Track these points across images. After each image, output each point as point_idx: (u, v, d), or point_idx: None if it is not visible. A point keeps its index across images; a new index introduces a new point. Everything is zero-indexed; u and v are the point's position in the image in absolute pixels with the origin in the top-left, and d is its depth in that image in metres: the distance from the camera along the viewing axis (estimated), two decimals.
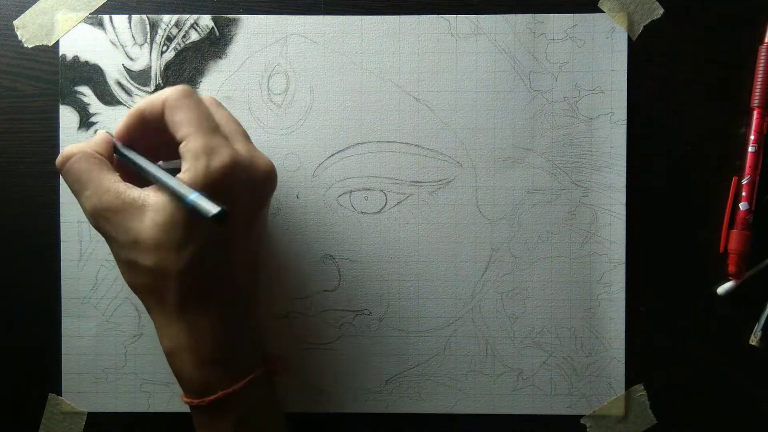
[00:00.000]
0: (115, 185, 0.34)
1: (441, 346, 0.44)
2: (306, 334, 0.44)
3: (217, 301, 0.35)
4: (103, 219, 0.34)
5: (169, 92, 0.35)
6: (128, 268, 0.35)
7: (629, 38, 0.43)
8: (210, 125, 0.34)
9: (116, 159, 0.37)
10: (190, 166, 0.33)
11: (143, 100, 0.36)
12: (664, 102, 0.44)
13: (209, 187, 0.33)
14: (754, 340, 0.43)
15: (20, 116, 0.44)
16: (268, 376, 0.38)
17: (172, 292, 0.34)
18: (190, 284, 0.34)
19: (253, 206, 0.36)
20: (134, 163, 0.36)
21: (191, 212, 0.32)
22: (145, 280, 0.35)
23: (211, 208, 0.31)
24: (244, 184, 0.35)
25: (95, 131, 0.44)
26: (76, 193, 0.35)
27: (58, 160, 0.36)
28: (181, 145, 0.34)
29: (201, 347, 0.35)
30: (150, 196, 0.34)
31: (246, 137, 0.37)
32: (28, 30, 0.44)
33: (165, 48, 0.44)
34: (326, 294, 0.44)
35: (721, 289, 0.44)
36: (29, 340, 0.44)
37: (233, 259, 0.36)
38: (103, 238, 0.36)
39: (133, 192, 0.34)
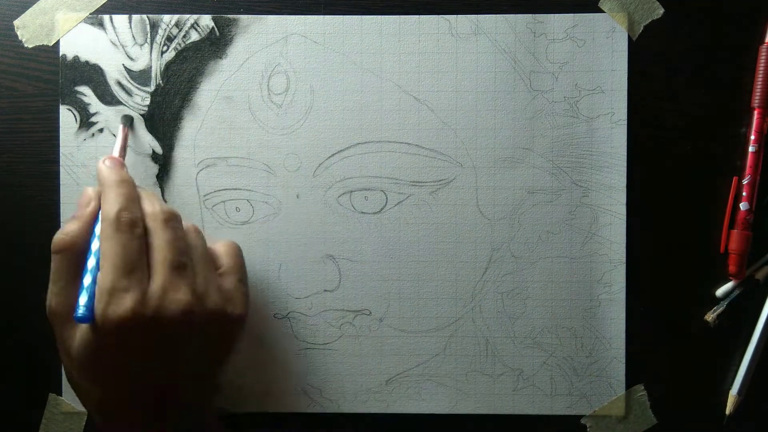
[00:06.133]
0: (68, 292, 0.35)
1: (441, 346, 0.44)
2: (306, 334, 0.44)
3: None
4: (52, 321, 0.36)
5: (102, 219, 0.35)
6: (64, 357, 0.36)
7: (629, 38, 0.43)
8: (127, 263, 0.33)
9: None
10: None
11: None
12: (664, 102, 0.44)
13: (101, 333, 0.33)
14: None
15: (20, 116, 0.44)
16: None
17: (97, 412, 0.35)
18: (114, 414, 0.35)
19: (166, 361, 0.34)
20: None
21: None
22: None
23: (78, 311, 0.33)
24: (150, 337, 0.34)
25: (99, 130, 0.44)
26: (51, 280, 0.36)
27: (55, 241, 0.36)
28: None
29: None
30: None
31: (205, 265, 0.37)
32: (29, 30, 0.44)
33: (165, 48, 0.44)
34: (326, 294, 0.44)
35: (721, 290, 0.44)
36: (29, 340, 0.44)
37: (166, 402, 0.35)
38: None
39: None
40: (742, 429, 0.44)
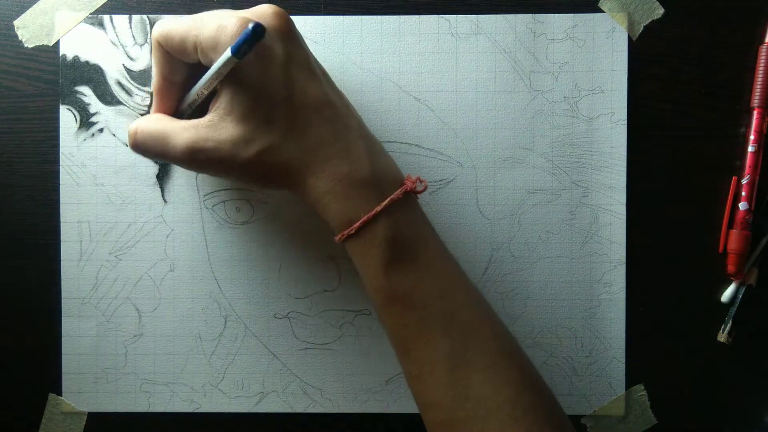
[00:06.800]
0: (187, 122, 0.35)
1: None
2: (306, 334, 0.44)
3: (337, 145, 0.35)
4: (198, 153, 0.35)
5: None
6: (263, 157, 0.35)
7: (629, 38, 0.43)
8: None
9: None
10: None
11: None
12: (664, 102, 0.44)
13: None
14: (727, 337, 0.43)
15: (20, 116, 0.44)
16: (409, 196, 0.37)
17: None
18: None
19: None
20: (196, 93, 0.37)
21: (242, 53, 0.32)
22: (282, 156, 0.35)
23: (249, 26, 0.32)
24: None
25: (99, 130, 0.44)
26: (160, 153, 0.36)
27: (129, 141, 0.37)
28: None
29: (341, 180, 0.35)
30: (214, 109, 0.35)
31: None
32: (29, 30, 0.44)
33: None
34: (326, 294, 0.44)
35: (725, 295, 0.44)
36: (29, 340, 0.44)
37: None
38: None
39: (204, 118, 0.35)
40: (742, 428, 0.44)
